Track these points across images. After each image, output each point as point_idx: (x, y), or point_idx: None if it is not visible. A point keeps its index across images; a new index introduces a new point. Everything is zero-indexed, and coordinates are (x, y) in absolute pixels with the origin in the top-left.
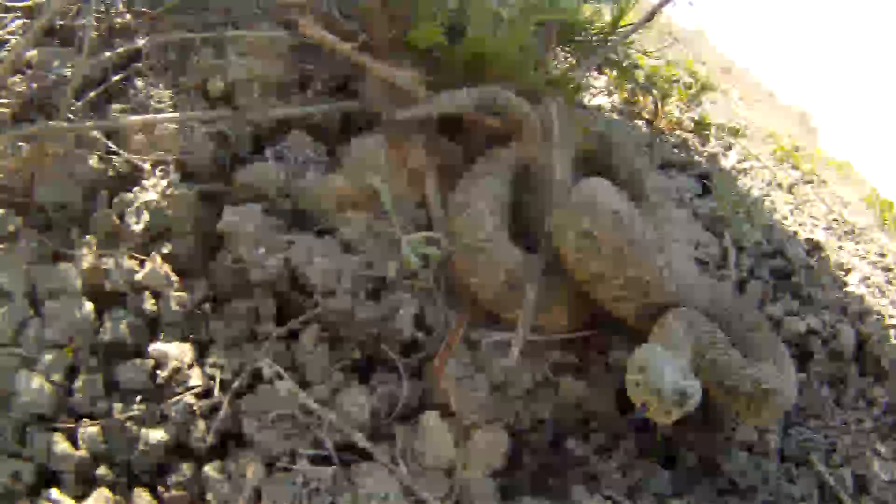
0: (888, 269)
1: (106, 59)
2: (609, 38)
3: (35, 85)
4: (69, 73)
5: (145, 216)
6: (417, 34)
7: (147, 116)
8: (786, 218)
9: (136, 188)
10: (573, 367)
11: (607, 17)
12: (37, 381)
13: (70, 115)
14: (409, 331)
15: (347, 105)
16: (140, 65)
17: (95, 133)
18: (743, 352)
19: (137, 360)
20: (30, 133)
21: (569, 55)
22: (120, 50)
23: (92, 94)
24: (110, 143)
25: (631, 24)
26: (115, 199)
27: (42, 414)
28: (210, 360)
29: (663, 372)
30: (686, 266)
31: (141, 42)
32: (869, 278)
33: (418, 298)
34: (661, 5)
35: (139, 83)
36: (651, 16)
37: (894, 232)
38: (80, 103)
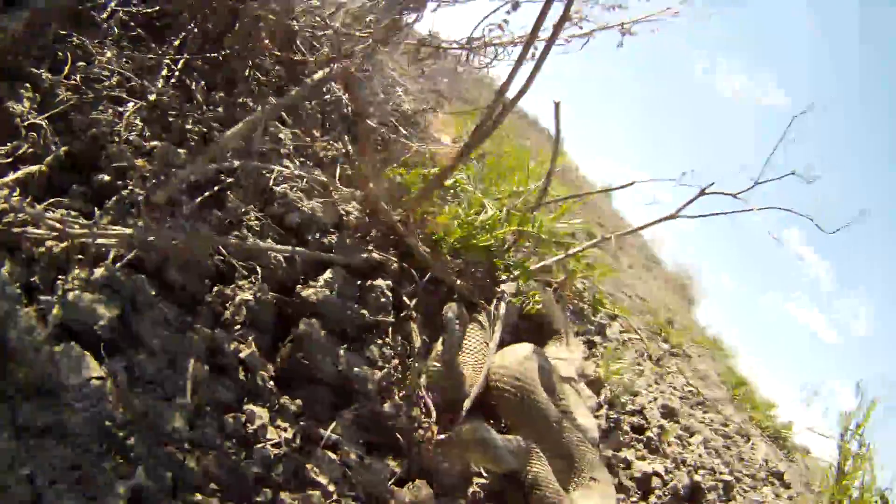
0: (728, 437)
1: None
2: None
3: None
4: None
5: (243, 310)
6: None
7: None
8: (650, 386)
9: (234, 286)
10: None
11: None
12: None
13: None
14: None
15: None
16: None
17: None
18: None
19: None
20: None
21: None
22: (237, 164)
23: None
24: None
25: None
26: (218, 290)
27: None
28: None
29: (481, 430)
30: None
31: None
32: (710, 442)
33: None
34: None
35: (231, 197)
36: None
37: (744, 406)
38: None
